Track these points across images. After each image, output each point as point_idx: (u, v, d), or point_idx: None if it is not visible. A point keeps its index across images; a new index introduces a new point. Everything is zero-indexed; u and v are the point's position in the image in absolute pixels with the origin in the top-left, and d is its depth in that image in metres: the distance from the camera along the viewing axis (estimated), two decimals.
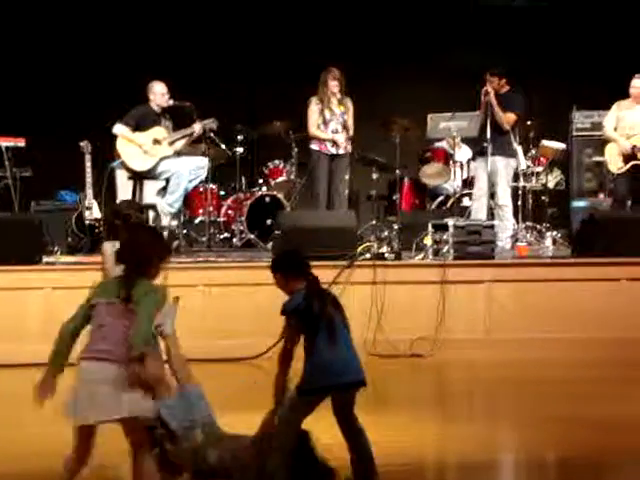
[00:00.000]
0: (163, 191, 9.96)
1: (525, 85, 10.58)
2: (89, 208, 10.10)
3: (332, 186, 10.25)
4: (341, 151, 10.22)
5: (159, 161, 9.68)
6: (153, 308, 4.27)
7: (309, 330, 4.74)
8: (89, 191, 10.17)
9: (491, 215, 10.07)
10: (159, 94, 9.84)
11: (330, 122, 10.24)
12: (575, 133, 11.85)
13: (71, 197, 10.87)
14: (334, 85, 10.13)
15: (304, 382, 4.72)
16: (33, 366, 7.46)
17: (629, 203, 10.15)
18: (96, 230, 10.09)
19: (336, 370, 4.75)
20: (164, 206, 9.79)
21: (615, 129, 10.08)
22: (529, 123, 11.14)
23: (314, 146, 10.30)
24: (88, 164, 10.11)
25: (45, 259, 8.72)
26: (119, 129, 9.69)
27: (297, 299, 4.77)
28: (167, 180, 9.77)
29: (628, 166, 9.94)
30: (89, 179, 10.13)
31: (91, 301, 4.31)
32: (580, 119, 11.70)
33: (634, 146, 9.87)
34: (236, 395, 6.91)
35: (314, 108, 10.26)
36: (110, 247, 5.63)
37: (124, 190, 10.61)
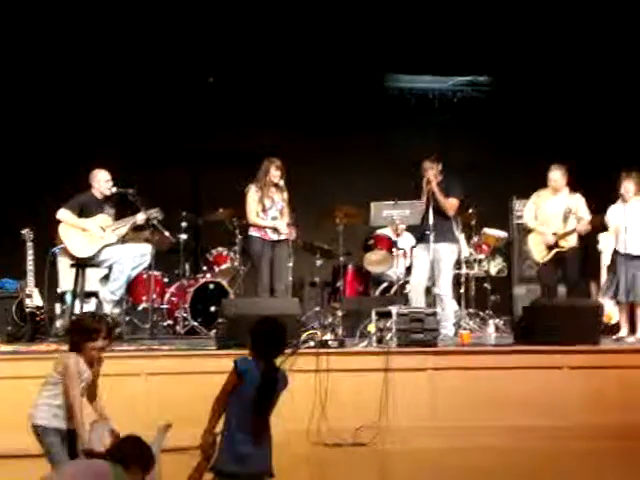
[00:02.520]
0: (105, 278, 9.88)
1: (467, 173, 10.74)
2: (30, 296, 9.98)
3: (275, 273, 10.24)
4: (282, 237, 10.24)
5: (102, 249, 9.62)
6: None
7: (237, 401, 4.71)
8: (30, 278, 10.06)
9: (433, 302, 10.13)
10: (103, 181, 9.83)
11: (270, 210, 10.28)
12: (516, 221, 12.04)
13: (11, 285, 10.73)
14: (275, 175, 10.21)
15: (217, 462, 4.74)
16: None
17: (562, 289, 10.30)
18: (37, 318, 9.97)
19: (247, 459, 4.73)
20: (106, 294, 9.72)
21: (536, 218, 10.31)
22: (471, 211, 11.29)
23: (254, 233, 10.30)
24: (30, 252, 10.01)
25: None
26: (64, 214, 9.63)
27: (248, 363, 4.80)
28: (110, 267, 9.71)
29: (552, 254, 10.13)
30: (30, 266, 10.02)
31: None
32: (520, 208, 11.90)
33: (554, 234, 10.08)
34: None
35: (253, 196, 10.30)
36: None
37: (66, 277, 10.53)
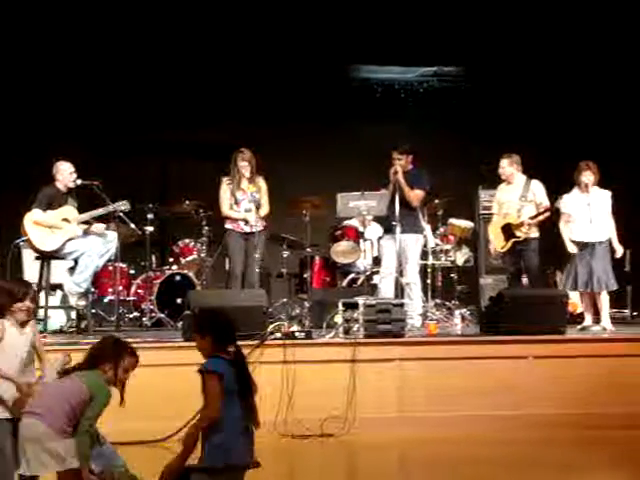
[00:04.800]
0: (71, 270, 9.81)
1: (433, 164, 10.76)
2: None
3: (247, 265, 10.22)
4: (253, 229, 10.21)
5: (67, 241, 9.56)
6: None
7: (225, 400, 4.69)
8: None
9: (400, 293, 10.14)
10: (67, 173, 9.74)
11: (242, 201, 10.26)
12: (482, 211, 12.07)
13: None
14: (244, 166, 10.19)
15: (208, 457, 4.66)
16: None
17: (525, 280, 10.37)
18: None
19: (244, 449, 4.72)
20: (72, 286, 9.64)
21: (498, 212, 10.41)
22: (437, 202, 11.32)
23: (228, 225, 10.30)
24: None
25: None
26: (38, 215, 9.52)
27: (220, 364, 4.72)
28: (75, 260, 9.64)
29: (510, 244, 10.19)
30: None
31: None
32: (486, 198, 11.90)
33: (509, 223, 10.13)
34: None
35: (225, 188, 10.30)
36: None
37: (31, 270, 10.44)
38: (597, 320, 10.10)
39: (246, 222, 10.21)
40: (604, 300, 9.99)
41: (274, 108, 12.92)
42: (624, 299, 12.03)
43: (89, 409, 4.97)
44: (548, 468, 7.32)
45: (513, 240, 10.17)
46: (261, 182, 10.36)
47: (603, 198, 10.06)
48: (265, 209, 10.32)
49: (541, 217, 10.16)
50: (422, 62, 13.75)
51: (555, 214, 10.17)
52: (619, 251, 10.03)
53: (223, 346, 4.79)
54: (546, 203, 10.21)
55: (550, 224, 10.31)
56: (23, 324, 5.55)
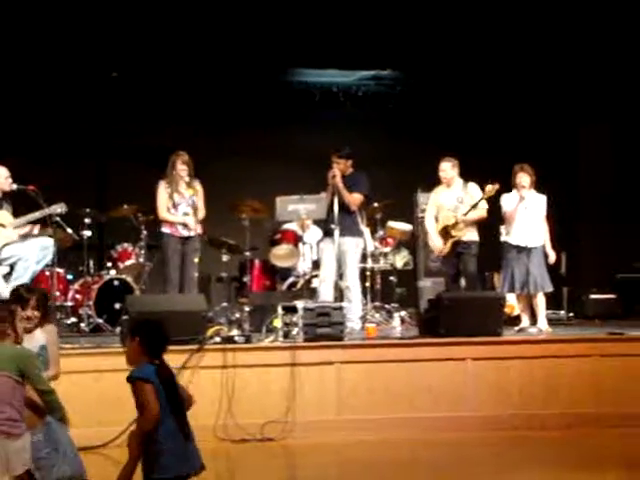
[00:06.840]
0: (7, 276, 9.68)
1: (371, 167, 10.80)
2: None
3: (184, 269, 10.17)
4: (192, 233, 10.17)
5: (3, 246, 9.44)
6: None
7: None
8: None
9: (340, 296, 10.17)
10: (2, 178, 9.63)
11: (180, 205, 10.21)
12: (420, 214, 12.13)
13: None
14: (182, 169, 10.12)
15: (158, 470, 4.63)
16: None
17: (463, 282, 10.42)
18: None
19: (189, 457, 4.70)
20: (7, 292, 9.50)
21: (437, 216, 10.37)
22: (376, 205, 11.36)
23: (165, 229, 10.22)
24: None
25: None
26: None
27: (149, 371, 4.69)
28: (11, 265, 9.52)
29: (448, 246, 10.21)
30: None
31: None
32: (425, 201, 11.92)
33: (446, 225, 10.18)
34: None
35: (163, 192, 10.22)
36: None
37: None
38: (534, 322, 10.22)
39: (185, 226, 10.16)
40: (540, 302, 10.13)
41: (213, 112, 12.90)
42: (560, 301, 12.21)
43: (33, 378, 5.02)
44: (486, 469, 7.38)
45: (452, 241, 10.20)
46: (198, 186, 10.31)
47: (539, 202, 10.19)
48: (202, 213, 10.28)
49: (475, 216, 10.18)
50: (360, 66, 13.80)
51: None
52: (552, 256, 10.16)
53: (151, 355, 4.78)
54: (484, 205, 10.28)
55: (488, 227, 10.41)
56: (28, 331, 5.58)
